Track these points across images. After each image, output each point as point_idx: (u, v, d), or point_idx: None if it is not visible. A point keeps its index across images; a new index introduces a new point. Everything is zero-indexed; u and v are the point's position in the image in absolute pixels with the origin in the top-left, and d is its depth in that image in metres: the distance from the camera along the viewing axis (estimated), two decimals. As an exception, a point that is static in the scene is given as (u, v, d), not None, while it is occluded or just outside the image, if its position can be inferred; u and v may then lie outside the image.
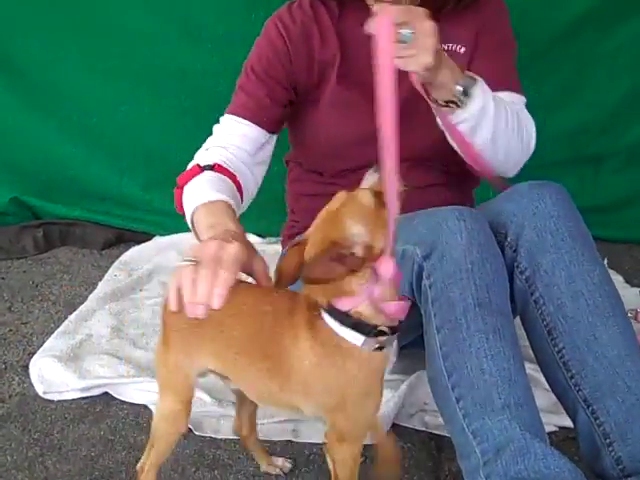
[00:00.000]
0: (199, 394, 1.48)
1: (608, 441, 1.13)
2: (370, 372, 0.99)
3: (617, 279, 2.05)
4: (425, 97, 1.28)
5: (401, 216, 1.30)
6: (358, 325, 0.96)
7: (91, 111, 2.48)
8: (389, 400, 1.44)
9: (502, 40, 1.50)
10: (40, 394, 1.59)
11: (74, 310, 1.96)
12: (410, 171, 1.49)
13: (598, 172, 2.51)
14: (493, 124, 1.28)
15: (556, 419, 1.41)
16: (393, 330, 0.98)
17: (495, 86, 1.37)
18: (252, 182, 1.44)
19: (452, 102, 1.25)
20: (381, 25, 1.03)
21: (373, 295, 0.94)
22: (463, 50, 1.47)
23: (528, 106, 1.47)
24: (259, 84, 1.46)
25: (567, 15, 2.37)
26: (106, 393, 1.59)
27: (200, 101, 2.36)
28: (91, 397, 1.59)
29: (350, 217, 0.94)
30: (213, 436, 1.44)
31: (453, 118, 1.27)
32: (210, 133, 1.48)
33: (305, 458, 1.39)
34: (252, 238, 2.39)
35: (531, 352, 1.30)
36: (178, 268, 1.02)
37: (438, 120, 1.32)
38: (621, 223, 2.42)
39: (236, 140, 1.43)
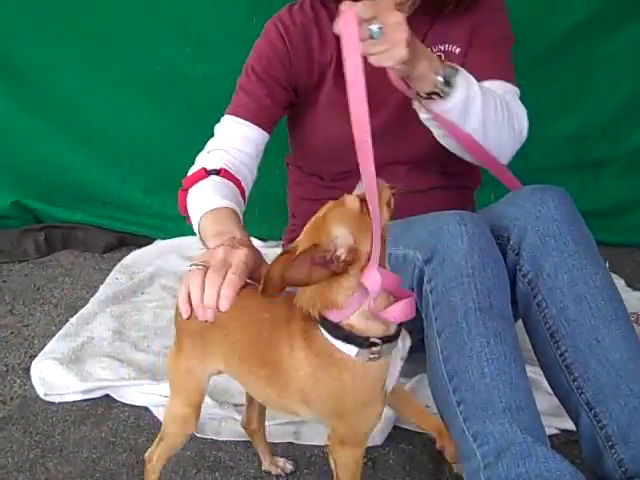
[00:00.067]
0: (200, 397, 1.49)
1: (610, 444, 1.13)
2: (367, 382, 0.98)
3: (619, 283, 2.04)
4: (406, 92, 1.28)
5: (402, 220, 1.32)
6: (349, 337, 0.94)
7: (92, 115, 2.49)
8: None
9: (497, 35, 1.48)
10: (41, 396, 1.60)
11: (75, 313, 1.96)
12: (409, 174, 1.50)
13: (599, 177, 2.52)
14: (481, 113, 1.27)
15: (557, 422, 1.41)
16: (391, 337, 0.96)
17: (485, 75, 1.37)
18: (252, 184, 1.45)
19: (434, 93, 1.23)
20: (346, 23, 1.01)
21: (367, 310, 0.93)
22: (458, 50, 1.47)
23: (523, 102, 1.45)
24: (259, 84, 1.47)
25: (567, 21, 2.38)
26: (107, 395, 1.59)
27: (201, 106, 2.36)
28: (92, 399, 1.59)
29: (334, 220, 0.93)
30: (214, 438, 1.44)
31: (437, 109, 1.25)
32: (211, 137, 1.49)
33: (306, 460, 1.39)
34: (254, 242, 2.38)
35: (532, 355, 1.30)
36: (187, 273, 1.04)
37: (421, 115, 1.30)
38: (622, 227, 2.43)
39: (237, 143, 1.44)
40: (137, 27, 2.39)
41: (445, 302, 1.15)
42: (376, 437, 1.40)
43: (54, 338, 1.82)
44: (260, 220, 2.10)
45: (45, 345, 1.79)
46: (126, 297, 2.06)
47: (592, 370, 1.15)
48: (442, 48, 1.46)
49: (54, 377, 1.63)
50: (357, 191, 0.96)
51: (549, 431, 1.22)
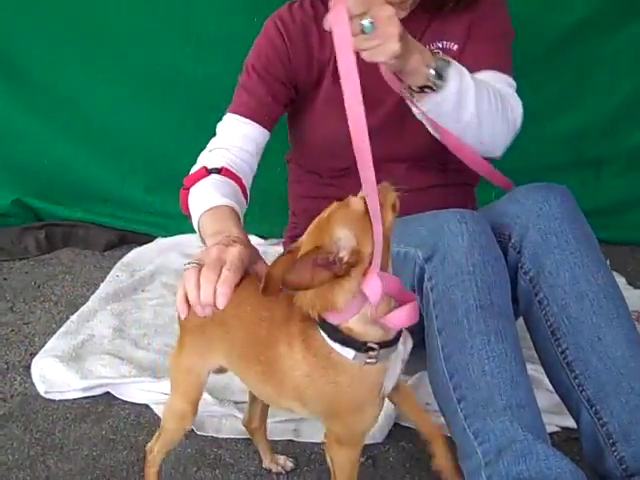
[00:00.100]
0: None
1: (611, 441, 1.13)
2: (363, 385, 0.97)
3: (620, 281, 2.03)
4: (395, 89, 1.27)
5: (402, 219, 1.31)
6: (347, 340, 0.94)
7: (93, 113, 2.49)
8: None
9: (495, 29, 1.47)
10: (42, 394, 1.60)
11: (76, 311, 1.96)
12: (408, 173, 1.50)
13: (599, 175, 2.52)
14: (475, 105, 1.26)
15: (558, 419, 1.41)
16: (389, 342, 0.96)
17: (480, 66, 1.37)
18: (251, 182, 1.45)
19: (427, 87, 1.22)
20: (337, 19, 0.98)
21: (367, 314, 0.93)
22: (456, 47, 1.46)
23: (523, 100, 1.44)
24: (259, 82, 1.47)
25: (567, 19, 2.38)
26: (108, 393, 1.59)
27: (201, 104, 2.36)
28: (93, 397, 1.59)
29: (337, 222, 0.92)
30: (215, 435, 1.44)
31: (431, 103, 1.24)
32: (212, 135, 1.49)
33: (306, 457, 1.39)
34: (254, 240, 2.39)
35: (532, 353, 1.30)
36: (183, 273, 1.04)
37: (414, 110, 1.29)
38: (623, 225, 2.43)
39: (238, 141, 1.44)
40: (137, 26, 2.39)
41: (446, 300, 1.15)
42: (376, 434, 1.40)
43: (54, 336, 1.82)
44: (261, 218, 2.10)
45: (45, 343, 1.79)
46: (127, 295, 2.06)
47: (593, 368, 1.15)
48: (440, 45, 1.46)
49: (55, 375, 1.63)
50: (362, 192, 0.95)
51: (549, 429, 1.22)
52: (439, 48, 1.45)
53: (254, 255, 1.10)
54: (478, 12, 1.46)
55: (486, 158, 1.39)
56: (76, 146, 2.52)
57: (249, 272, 1.07)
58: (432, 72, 1.19)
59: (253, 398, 1.26)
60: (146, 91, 2.45)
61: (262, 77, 1.47)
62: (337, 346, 0.95)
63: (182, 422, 1.14)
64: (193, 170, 1.38)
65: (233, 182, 1.37)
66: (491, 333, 1.12)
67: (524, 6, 2.17)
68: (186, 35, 2.39)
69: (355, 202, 0.94)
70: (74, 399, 1.58)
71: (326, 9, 1.48)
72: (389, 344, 0.96)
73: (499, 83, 1.38)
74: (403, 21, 1.44)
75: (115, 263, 2.31)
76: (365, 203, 0.93)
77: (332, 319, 0.94)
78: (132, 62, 2.42)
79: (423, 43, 1.43)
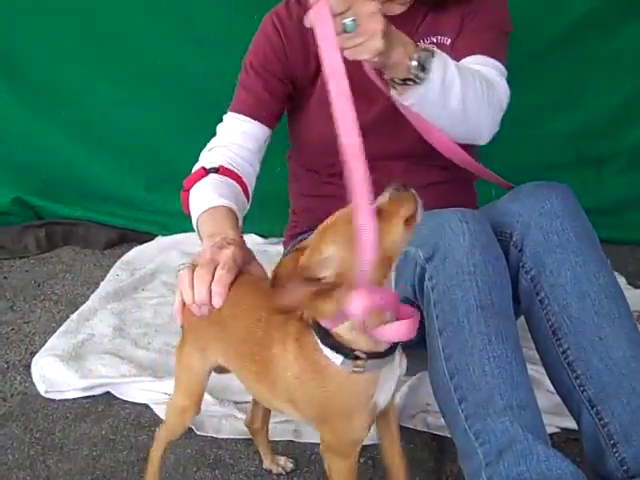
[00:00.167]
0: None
1: (612, 442, 1.13)
2: (350, 393, 0.96)
3: (620, 281, 2.02)
4: (378, 84, 1.26)
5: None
6: (337, 346, 0.94)
7: (94, 111, 2.48)
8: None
9: (489, 20, 1.45)
10: (42, 393, 1.59)
11: (76, 309, 1.96)
12: (406, 170, 1.49)
13: (600, 174, 2.51)
14: (461, 94, 1.23)
15: (557, 420, 1.41)
16: (380, 354, 0.94)
17: (469, 51, 1.37)
18: (254, 179, 1.45)
19: (409, 79, 1.19)
20: (319, 17, 0.98)
21: (354, 324, 0.92)
22: (449, 42, 1.45)
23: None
24: (257, 79, 1.47)
25: (568, 17, 2.37)
26: (108, 392, 1.59)
27: (202, 102, 2.35)
28: (93, 396, 1.59)
29: (329, 238, 0.91)
30: (214, 436, 1.44)
31: (415, 96, 1.22)
32: (212, 134, 1.49)
33: (307, 458, 1.38)
34: (255, 239, 2.39)
35: (533, 353, 1.30)
36: (178, 275, 1.07)
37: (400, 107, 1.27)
38: (624, 225, 2.42)
39: (238, 139, 1.44)
40: (138, 24, 2.38)
41: (446, 300, 1.15)
42: (376, 435, 1.40)
43: (54, 335, 1.82)
44: (261, 217, 2.09)
45: (46, 342, 1.79)
46: (127, 294, 2.06)
47: (594, 368, 1.15)
48: (434, 40, 1.45)
49: (54, 374, 1.63)
50: (382, 198, 0.93)
51: (549, 429, 1.22)
52: (433, 43, 1.45)
53: (248, 256, 1.13)
54: (473, 4, 1.45)
55: (474, 146, 1.39)
56: (76, 144, 2.51)
57: (243, 272, 1.09)
58: (414, 64, 1.16)
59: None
60: (146, 89, 2.45)
61: (259, 74, 1.47)
62: (327, 350, 0.94)
63: (182, 417, 1.16)
64: (193, 171, 1.38)
65: (232, 181, 1.37)
66: (492, 333, 1.12)
67: (525, 4, 2.18)
68: (186, 33, 2.39)
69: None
70: (74, 399, 1.58)
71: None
72: (380, 356, 0.94)
73: (483, 66, 1.36)
74: (400, 16, 1.46)
75: (115, 262, 2.31)
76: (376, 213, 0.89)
77: (324, 323, 0.94)
78: (132, 61, 2.41)
79: (417, 38, 1.44)
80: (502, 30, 1.47)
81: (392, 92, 1.25)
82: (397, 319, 0.94)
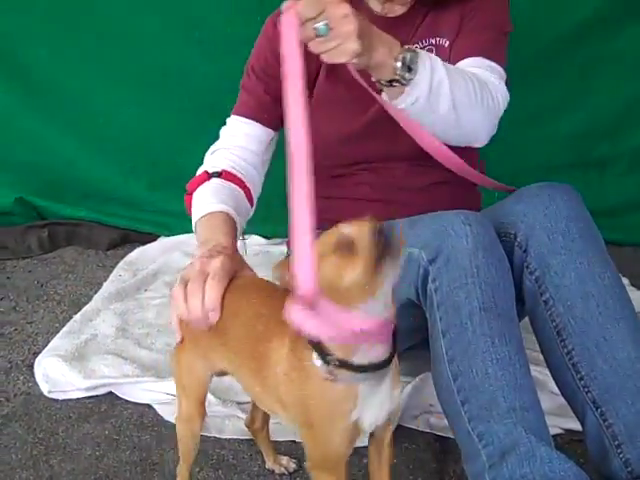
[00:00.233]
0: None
1: (617, 443, 1.13)
2: (327, 400, 0.95)
3: (624, 282, 2.02)
4: (364, 85, 1.25)
5: (406, 219, 1.31)
6: (318, 348, 0.93)
7: (96, 112, 2.49)
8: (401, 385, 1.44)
9: (487, 20, 1.44)
10: (45, 393, 1.60)
11: (79, 310, 1.96)
12: (409, 171, 1.49)
13: (603, 175, 2.51)
14: (450, 97, 1.22)
15: (561, 421, 1.40)
16: (354, 367, 0.92)
17: (466, 53, 1.36)
18: (259, 181, 1.45)
19: (395, 81, 1.18)
20: (286, 24, 0.98)
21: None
22: (447, 44, 1.45)
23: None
24: (259, 82, 1.47)
25: (571, 19, 2.37)
26: (111, 393, 1.60)
27: (205, 103, 2.36)
28: (96, 397, 1.59)
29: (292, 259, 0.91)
30: (217, 436, 1.44)
31: (403, 98, 1.21)
32: (214, 134, 1.50)
33: (309, 459, 1.39)
34: (257, 239, 2.39)
35: (536, 355, 1.30)
36: (171, 294, 1.10)
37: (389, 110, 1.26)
38: (627, 226, 2.41)
39: (240, 141, 1.45)
40: (140, 25, 2.38)
41: (449, 302, 1.15)
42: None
43: (57, 335, 1.82)
44: (264, 218, 2.09)
45: (49, 342, 1.79)
46: (129, 294, 2.06)
47: (599, 369, 1.15)
48: (433, 42, 1.45)
49: (58, 374, 1.63)
50: (355, 231, 0.89)
51: (553, 431, 1.21)
52: (432, 44, 1.45)
53: (238, 264, 1.14)
54: (474, 2, 1.44)
55: (474, 148, 1.39)
56: (79, 145, 2.52)
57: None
58: (399, 65, 1.16)
59: None
60: (149, 90, 2.45)
61: (260, 78, 1.48)
62: (313, 352, 0.94)
63: (191, 426, 1.16)
64: (196, 174, 1.39)
65: (235, 185, 1.38)
66: (495, 335, 1.12)
67: (528, 6, 2.18)
68: (189, 34, 2.39)
69: (332, 235, 0.91)
70: (77, 399, 1.59)
71: None
72: (355, 369, 0.92)
73: (479, 68, 1.35)
74: (400, 17, 1.46)
75: (118, 262, 2.32)
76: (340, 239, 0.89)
77: None
78: (136, 61, 2.42)
79: (416, 39, 1.44)
80: (502, 30, 1.46)
81: (383, 95, 1.25)
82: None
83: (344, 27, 1.04)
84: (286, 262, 0.94)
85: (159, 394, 1.54)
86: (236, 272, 1.12)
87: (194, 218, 1.31)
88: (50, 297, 2.12)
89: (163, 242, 2.47)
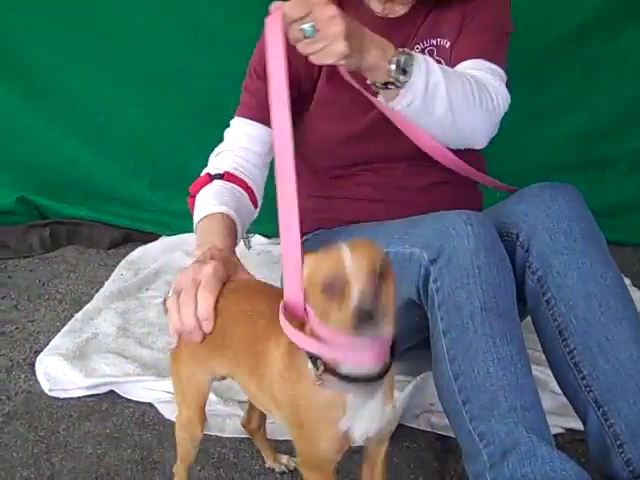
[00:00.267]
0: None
1: (619, 442, 1.13)
2: (314, 405, 0.94)
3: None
4: (357, 87, 1.26)
5: (407, 219, 1.32)
6: (308, 351, 0.93)
7: (98, 112, 2.49)
8: (394, 401, 1.44)
9: (488, 20, 1.44)
10: (46, 392, 1.60)
11: (80, 309, 1.96)
12: (409, 171, 1.49)
13: (604, 176, 2.51)
14: (447, 99, 1.22)
15: (562, 421, 1.41)
16: (344, 377, 0.90)
17: (465, 55, 1.36)
18: (263, 182, 1.45)
19: (390, 83, 1.19)
20: (271, 26, 0.99)
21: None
22: (448, 44, 1.45)
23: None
24: (259, 82, 1.47)
25: (573, 19, 2.38)
26: (112, 391, 1.60)
27: (206, 103, 2.36)
28: (97, 395, 1.59)
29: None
30: (218, 435, 1.45)
31: (397, 100, 1.21)
32: (216, 134, 1.50)
33: (310, 458, 1.39)
34: (259, 239, 2.39)
35: (538, 355, 1.30)
36: (165, 305, 1.09)
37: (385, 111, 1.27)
38: (628, 226, 2.42)
39: (243, 142, 1.45)
40: (143, 24, 2.39)
41: (451, 302, 1.15)
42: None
43: (59, 334, 1.82)
44: (265, 217, 2.10)
45: (50, 341, 1.79)
46: (131, 293, 2.06)
47: (601, 368, 1.15)
48: (434, 42, 1.45)
49: (59, 373, 1.63)
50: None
51: (554, 430, 1.22)
52: (433, 45, 1.45)
53: (232, 267, 1.14)
54: (475, 2, 1.44)
55: (472, 150, 1.39)
56: (81, 144, 2.52)
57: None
58: (393, 67, 1.16)
59: None
60: (151, 90, 2.45)
61: (262, 78, 1.47)
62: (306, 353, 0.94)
63: (190, 431, 1.15)
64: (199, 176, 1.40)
65: (237, 187, 1.38)
66: (496, 335, 1.12)
67: (530, 7, 2.18)
68: (192, 34, 2.39)
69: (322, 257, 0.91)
70: (78, 397, 1.59)
71: None
72: (341, 377, 0.91)
73: (478, 70, 1.35)
74: (401, 17, 1.46)
75: (119, 261, 2.32)
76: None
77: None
78: (137, 61, 2.42)
79: (417, 40, 1.44)
80: (502, 31, 1.46)
81: (379, 98, 1.25)
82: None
83: (331, 28, 1.05)
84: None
85: (160, 393, 1.54)
86: (229, 276, 1.11)
87: (194, 220, 1.31)
88: (51, 296, 2.12)
89: (164, 241, 2.47)
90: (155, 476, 1.35)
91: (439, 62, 1.42)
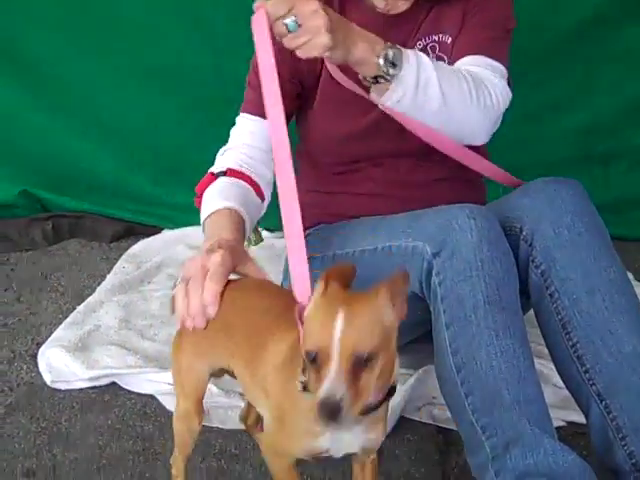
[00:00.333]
0: (206, 385, 1.49)
1: (621, 435, 1.13)
2: (296, 406, 0.92)
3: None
4: (344, 83, 1.27)
5: (410, 212, 1.32)
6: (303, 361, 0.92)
7: (101, 105, 2.48)
8: (396, 393, 1.44)
9: (486, 16, 1.43)
10: (48, 383, 1.60)
11: (82, 301, 1.96)
12: (414, 167, 1.49)
13: (608, 171, 2.50)
14: (440, 94, 1.22)
15: (564, 414, 1.40)
16: None
17: (465, 52, 1.36)
18: (270, 177, 1.45)
19: (380, 77, 1.19)
20: (256, 24, 1.04)
21: None
22: (450, 40, 1.44)
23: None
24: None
25: (578, 14, 2.36)
26: (114, 383, 1.60)
27: (210, 96, 2.36)
28: (99, 387, 1.59)
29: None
30: (220, 426, 1.45)
31: (388, 95, 1.21)
32: (219, 128, 1.50)
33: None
34: (262, 233, 2.39)
35: (541, 348, 1.30)
36: (174, 292, 1.11)
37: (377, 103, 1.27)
38: (631, 222, 2.40)
39: (246, 139, 1.44)
40: (146, 18, 2.38)
41: (454, 295, 1.15)
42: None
43: (61, 326, 1.82)
44: (268, 211, 2.10)
45: (52, 333, 1.79)
46: (133, 286, 2.06)
47: (604, 362, 1.15)
48: (436, 38, 1.45)
49: (61, 364, 1.63)
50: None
51: (555, 423, 1.21)
52: (435, 41, 1.44)
53: (240, 257, 1.15)
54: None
55: (472, 147, 1.38)
56: (83, 138, 2.51)
57: (239, 272, 1.13)
58: (381, 61, 1.17)
59: None
60: (154, 83, 2.44)
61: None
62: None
63: (187, 423, 1.14)
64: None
65: (242, 182, 1.38)
66: (499, 328, 1.12)
67: (534, 3, 2.18)
68: (195, 27, 2.38)
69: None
70: (80, 389, 1.59)
71: (327, 1, 1.47)
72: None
73: (477, 67, 1.34)
74: (403, 14, 1.46)
75: (121, 254, 2.31)
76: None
77: None
78: (140, 54, 2.41)
79: (419, 36, 1.44)
80: (504, 27, 1.45)
81: (372, 95, 1.25)
82: None
83: (313, 22, 1.07)
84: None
85: (162, 385, 1.54)
86: (237, 266, 1.12)
87: (202, 219, 1.32)
88: (54, 288, 2.12)
89: (167, 235, 2.47)
90: (157, 467, 1.36)
91: (441, 58, 1.43)
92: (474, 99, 1.27)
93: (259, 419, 1.30)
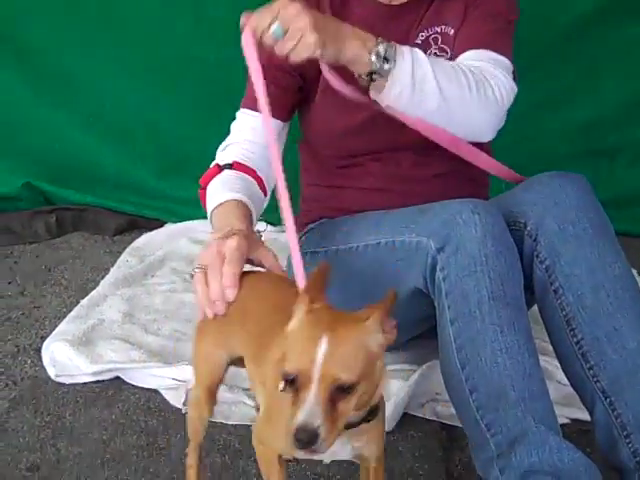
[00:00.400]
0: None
1: (626, 433, 1.12)
2: (283, 411, 0.90)
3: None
4: (342, 89, 1.27)
5: (415, 207, 1.31)
6: None
7: (104, 98, 2.48)
8: (400, 390, 1.44)
9: (488, 8, 1.41)
10: (52, 377, 1.60)
11: (86, 295, 1.96)
12: (416, 161, 1.48)
13: (613, 166, 2.49)
14: (437, 89, 1.21)
15: (568, 411, 1.40)
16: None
17: (467, 45, 1.35)
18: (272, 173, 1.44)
19: (374, 73, 1.19)
20: (245, 41, 1.10)
21: None
22: (452, 32, 1.43)
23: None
24: (265, 73, 1.46)
25: (582, 7, 2.35)
26: (118, 377, 1.60)
27: (213, 90, 2.35)
28: (103, 381, 1.59)
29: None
30: (224, 422, 1.45)
31: (386, 93, 1.21)
32: (223, 121, 1.49)
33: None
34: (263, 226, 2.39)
35: (545, 345, 1.29)
36: (193, 280, 1.13)
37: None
38: (636, 217, 2.40)
39: (248, 135, 1.44)
40: (149, 10, 2.37)
41: (458, 290, 1.14)
42: (385, 423, 1.40)
43: (65, 320, 1.82)
44: (272, 205, 2.10)
45: (56, 326, 1.79)
46: (136, 280, 2.06)
47: (608, 358, 1.14)
48: (438, 30, 1.44)
49: (65, 358, 1.63)
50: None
51: (560, 420, 1.20)
52: (437, 33, 1.44)
53: (254, 243, 1.17)
54: None
55: (477, 143, 1.37)
56: (87, 130, 2.51)
57: (252, 259, 1.16)
58: (374, 57, 1.18)
59: None
60: (157, 76, 2.44)
61: (265, 67, 1.46)
62: None
63: (198, 410, 1.15)
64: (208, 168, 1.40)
65: (247, 175, 1.39)
66: (504, 324, 1.11)
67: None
68: (198, 20, 2.38)
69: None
70: (84, 383, 1.59)
71: None
72: None
73: (480, 61, 1.33)
74: (406, 5, 1.45)
75: (125, 248, 2.31)
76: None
77: None
78: (144, 47, 2.40)
79: (421, 28, 1.43)
80: (507, 19, 1.44)
81: (370, 93, 1.25)
82: None
83: (297, 24, 1.09)
84: None
85: (166, 379, 1.55)
86: (251, 252, 1.15)
87: (208, 210, 1.32)
88: (57, 282, 2.12)
89: (170, 228, 2.46)
90: (160, 461, 1.36)
91: (443, 50, 1.42)
92: (474, 94, 1.25)
93: None
